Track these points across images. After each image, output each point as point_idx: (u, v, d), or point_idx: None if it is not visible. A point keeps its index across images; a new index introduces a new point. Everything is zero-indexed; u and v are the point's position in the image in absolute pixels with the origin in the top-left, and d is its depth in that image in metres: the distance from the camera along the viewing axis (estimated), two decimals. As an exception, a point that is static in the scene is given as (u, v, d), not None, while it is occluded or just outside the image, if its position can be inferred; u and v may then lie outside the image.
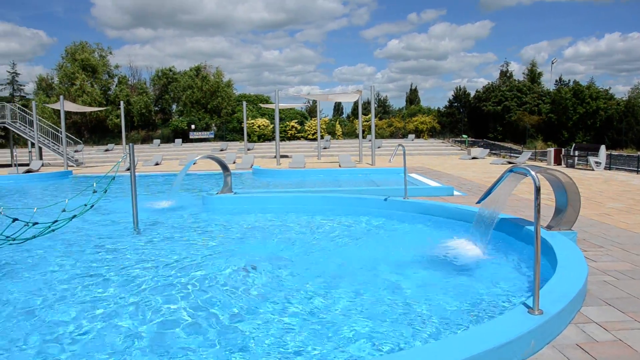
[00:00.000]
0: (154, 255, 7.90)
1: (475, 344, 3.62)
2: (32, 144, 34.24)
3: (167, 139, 50.81)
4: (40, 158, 33.36)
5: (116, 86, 57.36)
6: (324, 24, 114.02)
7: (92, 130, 54.23)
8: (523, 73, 64.85)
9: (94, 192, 9.09)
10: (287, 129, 50.17)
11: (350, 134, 53.28)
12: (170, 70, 58.93)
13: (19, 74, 65.95)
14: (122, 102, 32.49)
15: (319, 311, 5.31)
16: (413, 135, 50.67)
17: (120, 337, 4.77)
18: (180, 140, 48.71)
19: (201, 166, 26.27)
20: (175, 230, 9.90)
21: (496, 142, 46.12)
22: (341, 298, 5.69)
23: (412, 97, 77.12)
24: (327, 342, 4.56)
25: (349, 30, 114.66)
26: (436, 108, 62.82)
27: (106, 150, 44.97)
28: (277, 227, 10.12)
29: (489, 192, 6.98)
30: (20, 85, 65.97)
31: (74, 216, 8.39)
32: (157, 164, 29.93)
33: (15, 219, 7.29)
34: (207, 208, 12.10)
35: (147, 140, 51.65)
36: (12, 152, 36.15)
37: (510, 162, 26.84)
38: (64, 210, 8.64)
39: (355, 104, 63.04)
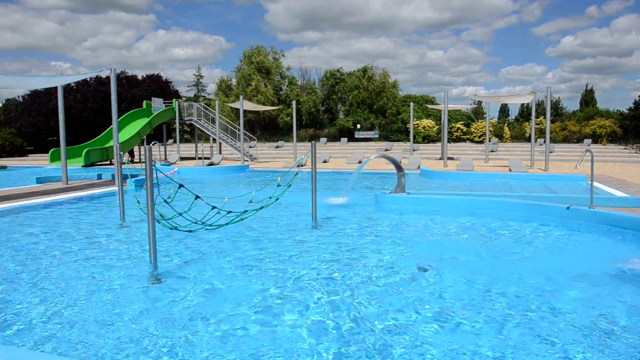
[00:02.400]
0: (332, 249, 8.15)
1: None
2: (214, 140, 37.21)
3: (333, 138, 52.36)
4: (220, 152, 36.12)
5: (287, 87, 60.37)
6: (491, 22, 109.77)
7: (264, 128, 57.64)
8: None
9: (278, 185, 9.62)
10: (453, 130, 49.13)
11: (519, 137, 50.78)
12: (338, 71, 60.64)
13: (202, 76, 72.22)
14: (293, 102, 34.01)
15: (498, 319, 5.11)
16: (589, 140, 46.92)
17: (296, 327, 4.99)
18: (345, 139, 49.93)
19: (369, 165, 26.66)
20: (351, 226, 10.14)
21: (691, 150, 41.04)
22: (520, 309, 5.41)
23: (587, 98, 71.48)
24: (513, 353, 4.37)
25: (518, 27, 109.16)
26: (616, 110, 57.50)
27: (277, 147, 47.49)
28: (449, 230, 9.93)
29: None
30: (203, 86, 72.14)
31: (262, 207, 8.95)
32: (325, 162, 30.92)
33: (214, 207, 7.95)
34: (380, 207, 12.24)
35: (314, 138, 53.68)
36: (196, 147, 39.64)
37: None
38: (251, 202, 9.26)
39: (524, 105, 59.91)
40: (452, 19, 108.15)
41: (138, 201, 9.60)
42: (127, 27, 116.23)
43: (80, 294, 6.04)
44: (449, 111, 47.52)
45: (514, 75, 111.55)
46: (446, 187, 17.23)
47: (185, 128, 53.41)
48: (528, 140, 45.91)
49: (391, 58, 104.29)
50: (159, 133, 43.52)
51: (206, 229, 8.59)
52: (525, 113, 63.69)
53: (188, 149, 47.05)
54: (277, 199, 9.32)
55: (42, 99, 49.42)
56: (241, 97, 31.93)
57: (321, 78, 62.28)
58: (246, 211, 8.60)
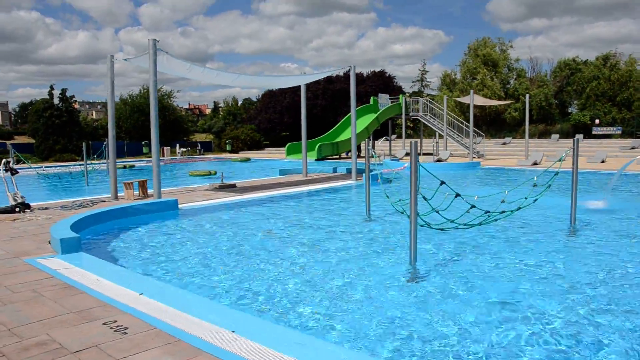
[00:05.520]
0: (596, 259, 7.32)
1: None
2: (440, 135, 36.86)
3: (566, 134, 48.42)
4: (446, 148, 35.60)
5: (515, 80, 57.35)
6: None
7: (490, 123, 55.55)
8: None
9: (534, 185, 8.99)
10: None
11: None
12: (573, 60, 55.82)
13: (427, 71, 72.36)
14: (526, 96, 32.12)
15: None
16: None
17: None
18: (581, 135, 45.82)
19: (613, 165, 24.01)
20: (616, 235, 9.07)
21: None
22: None
23: None
24: None
25: None
26: None
27: (503, 143, 45.36)
28: None
29: None
30: (428, 82, 72.18)
31: (519, 208, 8.43)
32: (560, 160, 28.67)
33: (473, 206, 7.67)
34: (649, 213, 10.82)
35: (544, 134, 50.24)
36: (421, 142, 39.67)
37: None
38: (503, 201, 8.79)
39: None
40: None
41: (387, 195, 9.74)
42: (349, 27, 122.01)
43: (338, 285, 6.24)
44: None
45: None
46: None
47: (408, 123, 53.88)
48: None
49: (634, 42, 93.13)
50: (384, 128, 44.48)
51: (457, 228, 8.36)
52: None
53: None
54: (536, 199, 8.71)
55: (277, 97, 53.89)
56: (472, 91, 31.06)
57: (553, 69, 57.95)
58: (504, 212, 8.17)
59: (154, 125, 12.15)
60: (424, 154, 35.98)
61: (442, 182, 7.23)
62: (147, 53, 12.10)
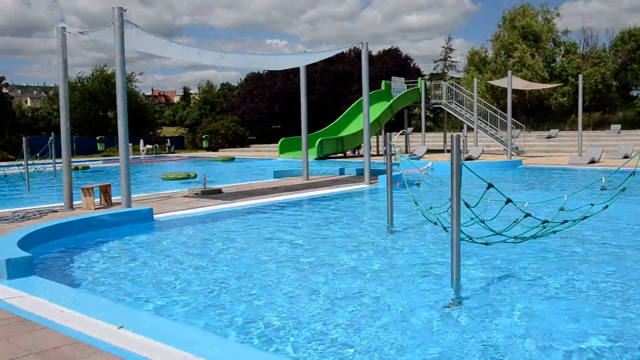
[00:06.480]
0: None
1: None
2: (469, 128, 36.89)
3: (631, 124, 48.32)
4: (476, 144, 35.62)
5: (563, 57, 57.22)
6: None
7: (530, 112, 55.51)
8: None
9: (603, 188, 8.98)
10: None
11: None
12: (641, 29, 55.66)
13: (452, 49, 72.36)
14: (579, 76, 32.16)
15: None
16: None
17: None
18: (648, 125, 45.80)
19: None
20: None
21: None
22: None
23: None
24: None
25: None
26: None
27: (548, 137, 45.34)
28: None
29: None
30: (453, 62, 72.19)
31: (585, 217, 8.42)
32: (625, 157, 28.67)
33: (527, 214, 7.67)
34: None
35: (600, 125, 50.13)
36: (445, 136, 39.73)
37: None
38: (561, 209, 8.80)
39: None
40: None
41: (416, 202, 9.73)
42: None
43: (361, 312, 6.22)
44: None
45: None
46: None
47: (428, 114, 53.88)
48: None
49: None
50: (399, 119, 44.54)
51: (505, 242, 8.37)
52: None
53: (431, 139, 47.45)
54: (607, 206, 8.69)
55: (265, 82, 53.94)
56: (509, 72, 31.05)
57: (613, 42, 57.76)
58: (565, 221, 8.16)
59: (122, 116, 12.14)
60: (449, 151, 35.97)
61: (490, 185, 7.22)
62: (111, 25, 12.09)
